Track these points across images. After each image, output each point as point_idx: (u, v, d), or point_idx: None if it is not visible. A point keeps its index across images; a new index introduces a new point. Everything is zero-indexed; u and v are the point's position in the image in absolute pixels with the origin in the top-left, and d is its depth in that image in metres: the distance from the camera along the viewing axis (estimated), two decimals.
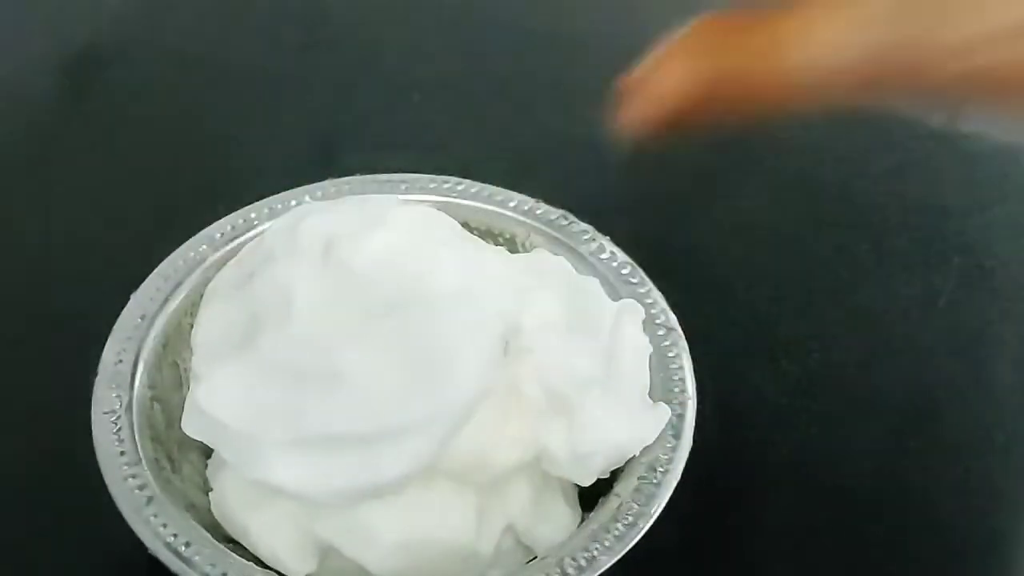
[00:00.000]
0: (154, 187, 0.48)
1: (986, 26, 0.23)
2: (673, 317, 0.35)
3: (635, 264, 0.37)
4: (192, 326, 0.34)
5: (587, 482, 0.32)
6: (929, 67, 0.24)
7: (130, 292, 0.36)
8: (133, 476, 0.31)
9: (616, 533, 0.30)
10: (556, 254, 0.37)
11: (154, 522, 0.30)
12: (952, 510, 0.37)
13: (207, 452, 0.34)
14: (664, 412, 0.33)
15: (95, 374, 0.34)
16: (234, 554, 0.31)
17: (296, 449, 0.29)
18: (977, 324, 0.42)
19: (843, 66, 0.24)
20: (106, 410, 0.33)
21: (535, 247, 0.38)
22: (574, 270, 0.36)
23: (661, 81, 0.26)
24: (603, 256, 0.37)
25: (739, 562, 0.35)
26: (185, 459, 0.34)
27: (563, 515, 0.33)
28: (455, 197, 0.39)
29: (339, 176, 0.39)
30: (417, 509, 0.31)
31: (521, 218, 0.38)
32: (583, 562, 0.30)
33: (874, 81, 0.25)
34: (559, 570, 0.30)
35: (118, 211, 0.46)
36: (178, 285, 0.36)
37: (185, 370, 0.35)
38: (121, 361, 0.34)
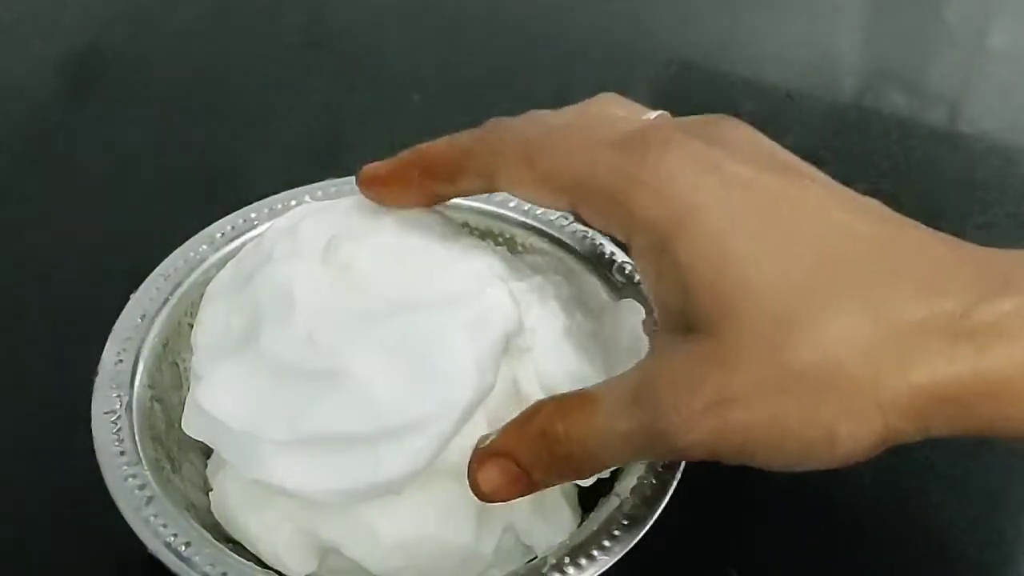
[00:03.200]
0: (154, 187, 0.48)
1: None
2: None
3: (635, 263, 0.37)
4: (192, 326, 0.34)
5: (587, 482, 0.32)
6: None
7: (130, 292, 0.36)
8: (133, 476, 0.31)
9: (616, 533, 0.30)
10: (556, 254, 0.37)
11: (154, 522, 0.30)
12: (952, 510, 0.37)
13: (207, 452, 0.34)
14: None
15: (95, 374, 0.34)
16: (234, 554, 0.31)
17: (296, 449, 0.29)
18: None
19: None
20: (106, 410, 0.33)
21: (535, 247, 0.38)
22: (574, 270, 0.36)
23: (512, 448, 0.29)
24: (603, 256, 0.37)
25: (739, 562, 0.35)
26: (185, 459, 0.34)
27: (563, 515, 0.33)
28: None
29: (339, 176, 0.39)
30: (417, 509, 0.31)
31: (521, 218, 0.38)
32: (583, 562, 0.30)
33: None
34: (559, 570, 0.30)
35: (118, 211, 0.46)
36: (178, 285, 0.36)
37: (185, 370, 0.35)
38: (121, 361, 0.34)
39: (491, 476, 0.28)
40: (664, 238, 0.27)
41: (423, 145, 0.32)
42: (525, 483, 0.28)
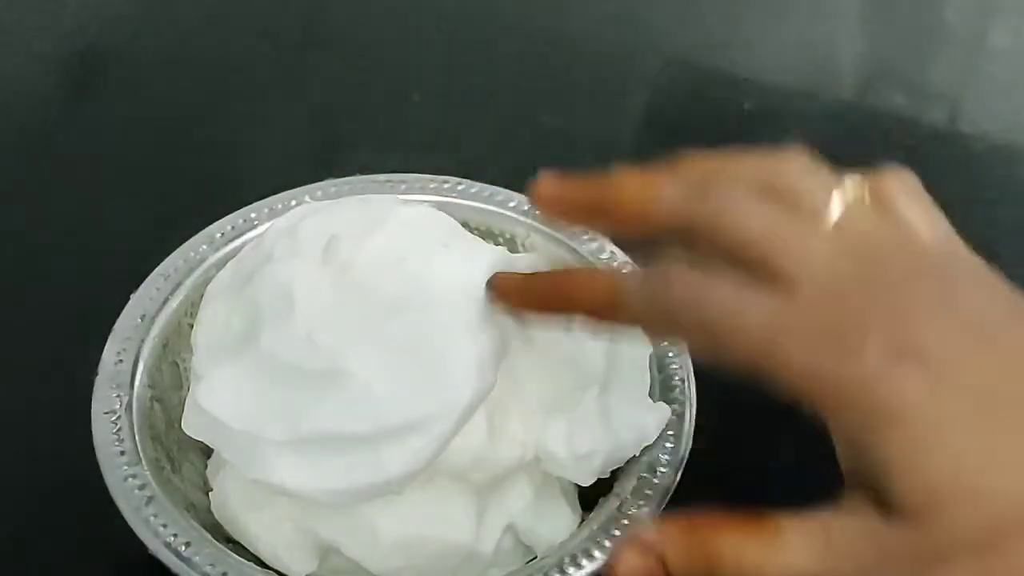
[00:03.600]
0: (154, 187, 0.48)
1: None
2: None
3: (635, 264, 0.37)
4: (192, 326, 0.34)
5: (587, 482, 0.32)
6: None
7: (130, 292, 0.36)
8: (133, 476, 0.31)
9: (616, 533, 0.30)
10: (556, 254, 0.37)
11: (154, 522, 0.30)
12: None
13: (207, 452, 0.34)
14: (664, 412, 0.33)
15: (95, 374, 0.34)
16: (234, 554, 0.31)
17: (296, 449, 0.29)
18: None
19: None
20: (106, 410, 0.33)
21: (535, 247, 0.38)
22: None
23: (662, 557, 0.27)
24: (603, 256, 0.37)
25: None
26: (185, 459, 0.34)
27: (563, 515, 0.33)
28: (455, 197, 0.39)
29: (339, 176, 0.39)
30: (417, 508, 0.31)
31: (521, 218, 0.38)
32: (583, 562, 0.30)
33: None
34: (559, 570, 0.30)
35: (118, 211, 0.46)
36: (178, 285, 0.36)
37: (185, 370, 0.35)
38: (121, 361, 0.34)
39: (632, 564, 0.26)
40: (863, 434, 0.25)
41: (618, 178, 0.29)
42: None
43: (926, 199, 0.28)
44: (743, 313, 0.26)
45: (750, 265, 0.26)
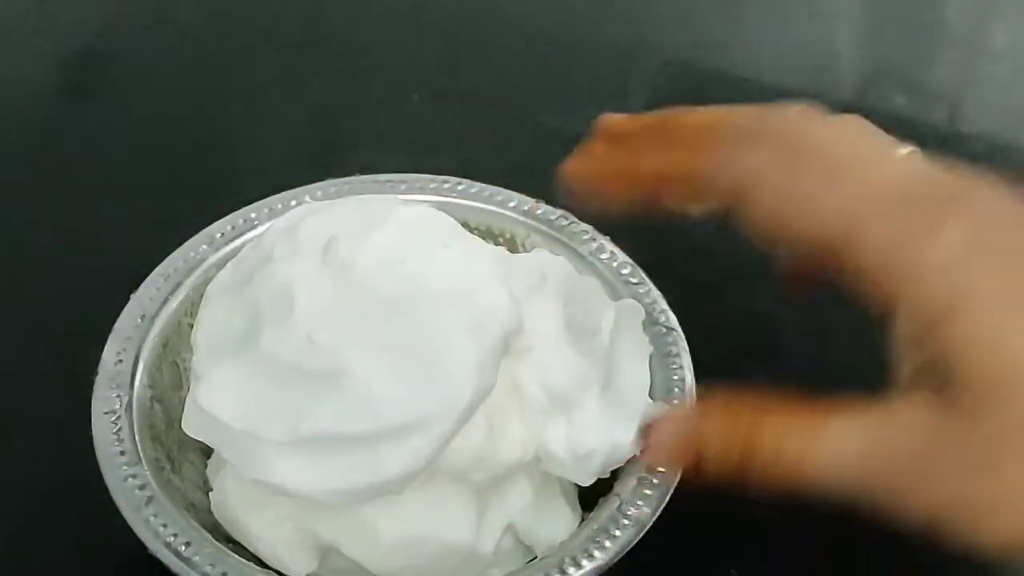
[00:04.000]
0: (154, 187, 0.48)
1: None
2: (673, 317, 0.35)
3: (635, 264, 0.37)
4: (192, 326, 0.34)
5: (587, 482, 0.32)
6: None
7: (130, 292, 0.36)
8: (133, 476, 0.31)
9: (616, 533, 0.30)
10: (556, 254, 0.37)
11: (154, 522, 0.30)
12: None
13: (207, 452, 0.34)
14: (664, 412, 0.33)
15: (95, 374, 0.34)
16: (234, 554, 0.31)
17: (296, 449, 0.29)
18: None
19: (853, 480, 0.25)
20: (106, 410, 0.33)
21: (535, 247, 0.38)
22: (574, 270, 0.36)
23: (699, 435, 0.26)
24: (603, 256, 0.37)
25: (740, 562, 0.35)
26: (185, 459, 0.34)
27: (563, 515, 0.33)
28: (455, 197, 0.39)
29: (339, 176, 0.39)
30: (417, 509, 0.31)
31: (521, 218, 0.38)
32: (583, 562, 0.30)
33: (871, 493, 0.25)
34: (559, 570, 0.30)
35: (118, 211, 0.46)
36: (178, 285, 0.36)
37: (185, 370, 0.35)
38: (121, 361, 0.34)
39: (666, 442, 0.26)
40: (935, 320, 0.25)
41: (679, 113, 0.30)
42: (692, 467, 0.26)
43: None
44: (829, 195, 0.26)
45: None
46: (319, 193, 0.39)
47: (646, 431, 0.27)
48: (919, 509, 0.25)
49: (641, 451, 0.28)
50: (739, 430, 0.26)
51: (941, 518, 0.25)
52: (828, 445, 0.25)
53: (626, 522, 0.31)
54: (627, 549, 0.30)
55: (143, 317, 0.35)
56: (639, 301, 0.35)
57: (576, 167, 0.31)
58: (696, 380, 0.34)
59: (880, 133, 0.29)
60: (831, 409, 0.26)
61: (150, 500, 0.31)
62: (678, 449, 0.26)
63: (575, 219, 0.38)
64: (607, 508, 0.31)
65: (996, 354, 0.24)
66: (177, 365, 0.36)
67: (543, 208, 0.38)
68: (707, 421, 0.26)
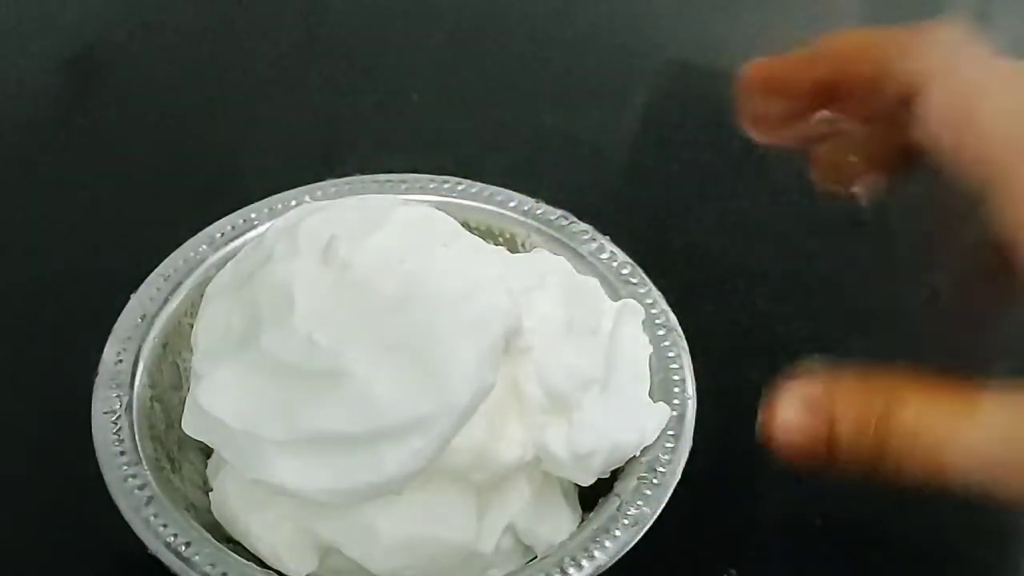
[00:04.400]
0: (154, 187, 0.48)
1: None
2: (673, 317, 0.35)
3: (635, 264, 0.37)
4: (192, 326, 0.34)
5: (587, 482, 0.32)
6: None
7: (130, 292, 0.36)
8: (133, 476, 0.31)
9: (616, 533, 0.30)
10: (556, 254, 0.37)
11: (154, 522, 0.30)
12: (952, 509, 0.37)
13: (207, 452, 0.34)
14: (664, 412, 0.33)
15: (95, 374, 0.34)
16: (234, 554, 0.31)
17: (296, 448, 0.29)
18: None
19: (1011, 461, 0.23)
20: (106, 410, 0.33)
21: (535, 247, 0.38)
22: (574, 270, 0.36)
23: (837, 408, 0.24)
24: (603, 256, 0.37)
25: (740, 562, 0.35)
26: (185, 459, 0.34)
27: (563, 515, 0.33)
28: (455, 197, 0.39)
29: (339, 176, 0.39)
30: (417, 509, 0.31)
31: (521, 218, 0.38)
32: (583, 562, 0.30)
33: None
34: (559, 570, 0.30)
35: (118, 211, 0.46)
36: (178, 285, 0.36)
37: (185, 370, 0.35)
38: (121, 361, 0.34)
39: (794, 422, 0.24)
40: None
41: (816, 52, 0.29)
42: (823, 446, 0.24)
43: None
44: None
45: None
46: (319, 193, 0.39)
47: (766, 405, 0.24)
48: None
49: (763, 429, 0.25)
50: (876, 408, 0.24)
51: None
52: (970, 430, 0.23)
53: (626, 522, 0.31)
54: (627, 549, 0.30)
55: (143, 317, 0.35)
56: (639, 301, 0.35)
57: (758, 69, 0.30)
58: (696, 380, 0.34)
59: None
60: (972, 393, 0.24)
61: (150, 500, 0.31)
62: (809, 425, 0.24)
63: (575, 219, 0.38)
64: (607, 508, 0.31)
65: None
66: (177, 365, 0.36)
67: (543, 208, 0.38)
68: (840, 396, 0.24)
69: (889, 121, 0.28)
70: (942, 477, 0.24)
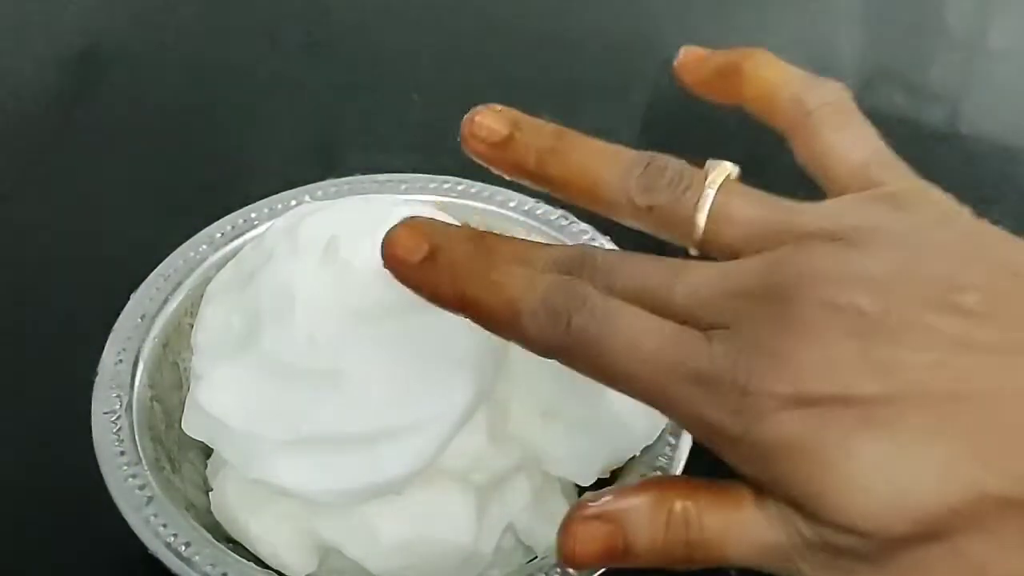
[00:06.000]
0: (154, 187, 0.48)
1: None
2: None
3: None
4: (192, 326, 0.34)
5: (587, 482, 0.32)
6: None
7: (130, 292, 0.36)
8: (133, 476, 0.31)
9: None
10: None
11: (154, 522, 0.30)
12: None
13: (207, 452, 0.34)
14: None
15: (95, 374, 0.34)
16: (234, 554, 0.31)
17: (296, 449, 0.29)
18: None
19: None
20: (106, 410, 0.33)
21: None
22: None
23: (625, 520, 0.26)
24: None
25: None
26: (185, 459, 0.34)
27: (563, 515, 0.32)
28: (455, 197, 0.39)
29: (339, 176, 0.39)
30: (417, 509, 0.31)
31: (521, 218, 0.38)
32: None
33: None
34: (559, 570, 0.30)
35: (118, 211, 0.46)
36: (178, 285, 0.36)
37: (185, 370, 0.35)
38: (121, 361, 0.34)
39: (593, 536, 0.25)
40: (760, 470, 0.25)
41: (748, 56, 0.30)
42: (621, 557, 0.25)
43: (856, 116, 0.29)
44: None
45: None
46: (319, 193, 0.39)
47: (562, 530, 0.26)
48: None
49: (561, 553, 0.26)
50: (663, 514, 0.25)
51: None
52: (743, 531, 0.25)
53: None
54: None
55: (143, 317, 0.35)
56: None
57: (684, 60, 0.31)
58: None
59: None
60: (742, 493, 0.26)
61: (150, 500, 0.31)
62: (602, 544, 0.25)
63: (575, 219, 0.38)
64: None
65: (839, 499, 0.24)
66: (177, 365, 0.36)
67: (543, 208, 0.38)
68: (629, 510, 0.25)
69: None
70: (730, 567, 0.26)
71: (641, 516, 0.25)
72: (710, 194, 0.27)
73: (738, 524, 0.25)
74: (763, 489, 0.25)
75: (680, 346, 0.25)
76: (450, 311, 0.26)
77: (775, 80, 0.30)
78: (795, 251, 0.25)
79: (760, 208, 0.27)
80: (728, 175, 0.27)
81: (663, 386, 0.25)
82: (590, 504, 0.26)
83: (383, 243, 0.27)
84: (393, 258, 0.26)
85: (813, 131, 0.29)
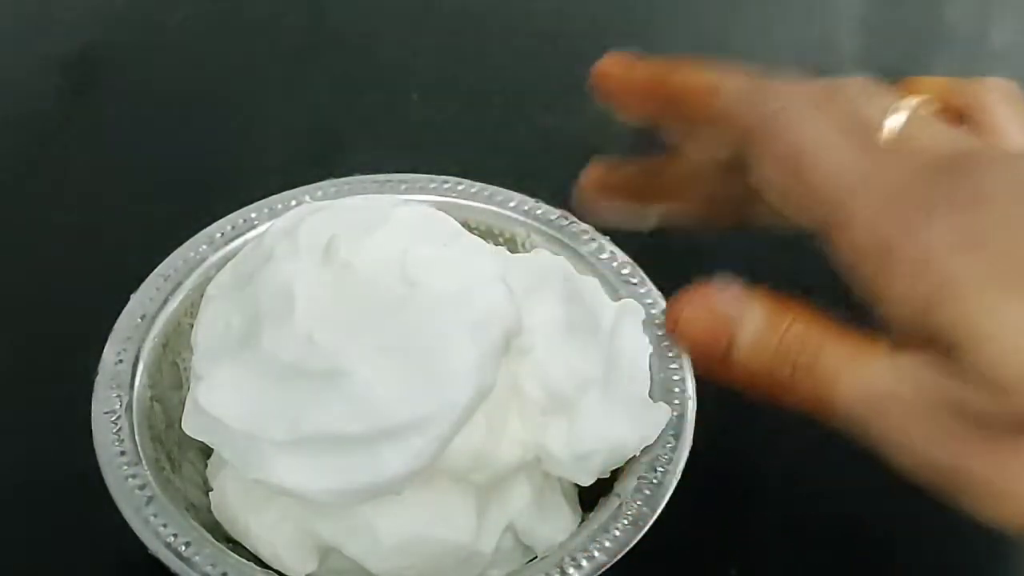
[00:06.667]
0: (154, 187, 0.48)
1: None
2: None
3: (635, 264, 0.37)
4: (192, 326, 0.34)
5: (587, 482, 0.32)
6: None
7: (130, 292, 0.36)
8: (133, 476, 0.31)
9: (616, 533, 0.30)
10: (556, 254, 0.37)
11: (154, 522, 0.30)
12: (952, 509, 0.37)
13: (207, 452, 0.34)
14: (664, 412, 0.33)
15: (95, 374, 0.34)
16: (234, 554, 0.31)
17: (296, 449, 0.29)
18: None
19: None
20: (106, 410, 0.33)
21: (535, 247, 0.38)
22: (574, 270, 0.36)
23: (737, 318, 0.25)
24: (603, 256, 0.37)
25: (739, 562, 0.35)
26: (185, 459, 0.34)
27: (563, 515, 0.33)
28: (455, 197, 0.39)
29: (339, 176, 0.39)
30: (417, 509, 0.31)
31: (521, 218, 0.38)
32: (583, 562, 0.30)
33: None
34: (559, 570, 0.30)
35: (118, 211, 0.46)
36: (178, 285, 0.36)
37: (185, 370, 0.35)
38: (121, 361, 0.34)
39: (698, 320, 0.24)
40: (924, 309, 0.24)
41: (679, 67, 0.29)
42: (720, 357, 0.25)
43: None
44: (834, 150, 0.25)
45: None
46: (319, 193, 0.39)
47: (672, 305, 0.25)
48: (928, 472, 0.24)
49: (666, 326, 0.25)
50: (781, 326, 0.24)
51: (952, 487, 0.24)
52: (863, 373, 0.24)
53: (626, 522, 0.31)
54: (627, 549, 0.30)
55: (143, 317, 0.35)
56: (639, 301, 0.35)
57: (606, 68, 0.30)
58: (696, 380, 0.34)
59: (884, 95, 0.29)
60: (872, 344, 0.25)
61: (150, 500, 0.31)
62: (710, 327, 0.25)
63: (575, 219, 0.38)
64: (607, 508, 0.31)
65: (998, 345, 0.23)
66: (177, 365, 0.36)
67: (543, 208, 0.38)
68: (749, 305, 0.25)
69: (722, 164, 0.29)
70: (827, 409, 0.24)
71: (756, 320, 0.24)
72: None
73: (861, 365, 0.24)
74: (907, 344, 0.24)
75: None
76: None
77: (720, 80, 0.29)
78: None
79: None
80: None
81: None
82: (703, 294, 0.25)
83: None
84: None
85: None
